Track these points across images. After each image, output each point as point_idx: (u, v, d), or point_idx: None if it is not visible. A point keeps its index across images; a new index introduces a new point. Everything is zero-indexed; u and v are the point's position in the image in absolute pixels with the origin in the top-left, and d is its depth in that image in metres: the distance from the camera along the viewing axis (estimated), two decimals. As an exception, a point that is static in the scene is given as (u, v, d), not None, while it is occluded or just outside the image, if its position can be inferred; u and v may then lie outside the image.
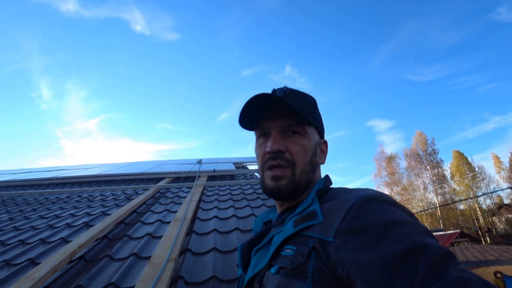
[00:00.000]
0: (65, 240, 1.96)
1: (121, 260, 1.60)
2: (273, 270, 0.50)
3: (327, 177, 0.66)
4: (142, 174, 4.43)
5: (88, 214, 2.58)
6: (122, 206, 2.82)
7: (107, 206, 2.84)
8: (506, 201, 23.10)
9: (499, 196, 24.05)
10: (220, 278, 1.33)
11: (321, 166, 0.69)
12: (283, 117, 0.61)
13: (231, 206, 2.65)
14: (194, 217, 2.31)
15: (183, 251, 1.64)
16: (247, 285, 0.55)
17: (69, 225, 2.27)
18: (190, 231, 1.97)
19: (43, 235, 2.08)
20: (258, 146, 0.66)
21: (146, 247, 1.76)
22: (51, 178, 4.37)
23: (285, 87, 0.66)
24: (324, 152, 0.69)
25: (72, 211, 2.70)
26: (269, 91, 0.63)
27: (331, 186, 0.62)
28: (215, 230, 1.99)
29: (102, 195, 3.41)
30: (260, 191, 3.37)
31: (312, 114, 0.65)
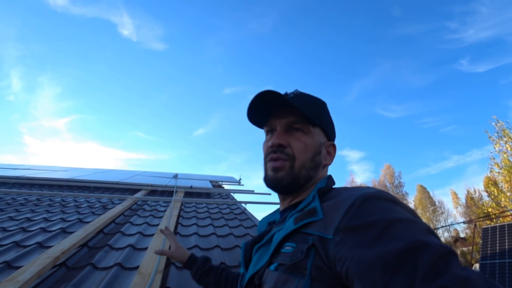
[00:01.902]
0: (41, 245, 1.93)
1: (105, 269, 1.62)
2: (272, 267, 0.51)
3: (329, 177, 0.67)
4: (117, 183, 4.34)
5: (63, 219, 2.52)
6: (99, 214, 2.79)
7: (83, 214, 2.78)
8: (462, 235, 24.77)
9: (455, 229, 25.71)
10: (206, 292, 1.42)
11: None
12: (288, 115, 0.65)
13: (210, 224, 2.73)
14: (175, 232, 2.36)
15: (167, 264, 1.70)
16: (247, 283, 0.56)
17: (44, 230, 2.22)
18: (172, 246, 2.03)
19: (16, 238, 2.02)
20: (265, 142, 0.70)
21: (129, 258, 1.79)
22: (17, 177, 4.13)
23: (296, 90, 0.69)
24: (331, 154, 0.70)
25: (45, 215, 2.61)
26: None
27: (333, 187, 0.64)
28: (196, 246, 2.07)
29: (75, 201, 3.32)
30: (237, 211, 3.47)
31: (318, 116, 0.66)
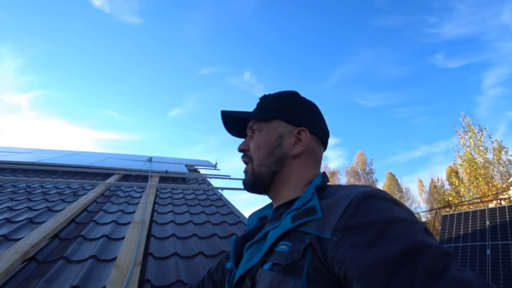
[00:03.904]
0: (7, 238, 1.83)
1: (80, 262, 1.59)
2: (266, 266, 0.49)
3: (324, 174, 0.66)
4: (88, 167, 4.16)
5: (30, 208, 2.39)
6: (69, 202, 2.68)
7: (52, 201, 2.65)
8: (423, 219, 27.06)
9: (418, 214, 28.02)
10: (185, 282, 1.45)
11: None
12: (249, 121, 0.73)
13: (186, 212, 2.73)
14: (151, 221, 2.35)
15: (145, 255, 1.70)
16: (238, 281, 0.55)
17: (8, 220, 2.10)
18: (149, 235, 2.02)
19: (-22, 230, 1.90)
20: None
21: (104, 250, 1.76)
22: (-27, 161, 3.81)
23: (264, 94, 0.75)
24: (301, 140, 0.66)
25: (9, 204, 2.46)
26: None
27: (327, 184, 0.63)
28: (173, 235, 2.07)
29: (43, 187, 3.14)
30: (213, 197, 3.50)
31: (275, 109, 0.68)
